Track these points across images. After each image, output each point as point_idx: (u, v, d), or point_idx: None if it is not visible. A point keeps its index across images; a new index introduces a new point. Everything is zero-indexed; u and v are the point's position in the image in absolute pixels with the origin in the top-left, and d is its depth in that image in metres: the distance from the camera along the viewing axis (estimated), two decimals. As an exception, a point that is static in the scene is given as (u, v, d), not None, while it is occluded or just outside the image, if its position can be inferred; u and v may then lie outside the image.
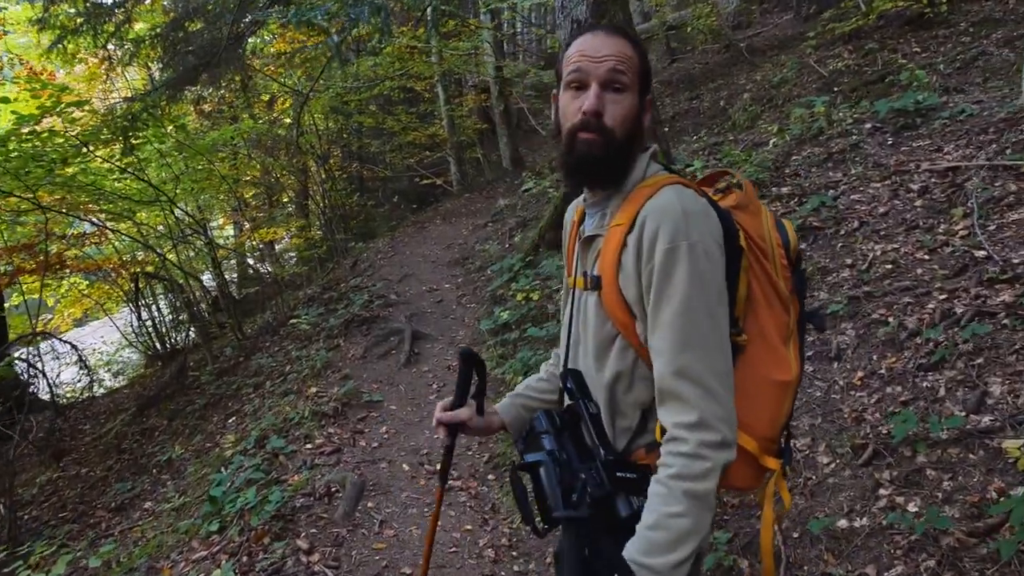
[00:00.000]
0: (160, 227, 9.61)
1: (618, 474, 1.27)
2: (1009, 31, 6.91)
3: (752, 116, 8.60)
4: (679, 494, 1.15)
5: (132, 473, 6.29)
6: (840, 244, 4.45)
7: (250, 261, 16.77)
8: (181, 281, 8.85)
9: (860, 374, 3.26)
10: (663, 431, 1.23)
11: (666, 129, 7.43)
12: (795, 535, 2.72)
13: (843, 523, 2.63)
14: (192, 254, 10.29)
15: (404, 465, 4.44)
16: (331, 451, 4.57)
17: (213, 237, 11.69)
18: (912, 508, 2.54)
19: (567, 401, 1.44)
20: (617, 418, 1.36)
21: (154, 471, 6.01)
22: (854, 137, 5.68)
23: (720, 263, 1.24)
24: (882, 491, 2.67)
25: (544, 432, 1.35)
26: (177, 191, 8.39)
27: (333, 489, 4.06)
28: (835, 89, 7.79)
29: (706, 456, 1.16)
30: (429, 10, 12.69)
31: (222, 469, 4.83)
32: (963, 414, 2.77)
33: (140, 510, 5.37)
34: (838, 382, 3.30)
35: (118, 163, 7.38)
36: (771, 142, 6.27)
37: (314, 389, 5.67)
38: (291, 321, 7.41)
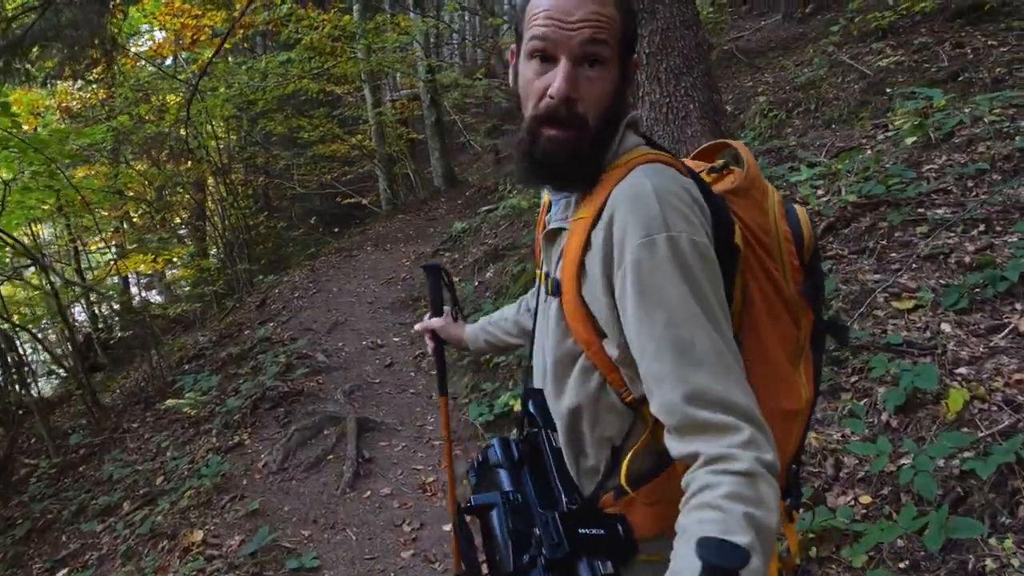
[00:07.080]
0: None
1: (580, 531, 0.92)
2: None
3: (775, 122, 6.97)
4: (740, 518, 0.74)
5: None
6: None
7: (134, 290, 13.93)
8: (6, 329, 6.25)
9: None
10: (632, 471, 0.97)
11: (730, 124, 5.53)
12: None
13: None
14: (29, 292, 7.58)
15: None
16: None
17: (57, 269, 9.03)
18: None
19: (527, 427, 1.08)
20: (580, 457, 1.06)
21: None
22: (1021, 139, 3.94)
23: (713, 256, 0.91)
24: None
25: (499, 466, 1.03)
26: (3, 206, 5.85)
27: None
28: (887, 90, 6.24)
29: (767, 479, 0.78)
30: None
31: None
32: None
33: None
34: None
35: None
36: (908, 141, 4.42)
37: (199, 535, 3.37)
38: (168, 402, 4.97)
